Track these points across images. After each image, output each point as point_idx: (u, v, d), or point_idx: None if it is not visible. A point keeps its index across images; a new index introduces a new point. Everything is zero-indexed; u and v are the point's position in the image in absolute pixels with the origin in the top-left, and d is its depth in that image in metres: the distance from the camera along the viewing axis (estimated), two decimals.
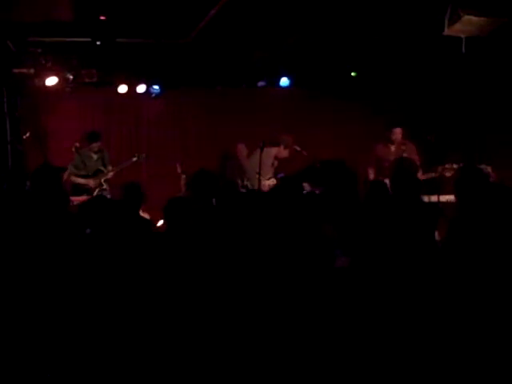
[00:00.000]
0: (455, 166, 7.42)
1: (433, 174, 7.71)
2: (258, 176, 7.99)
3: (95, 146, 8.39)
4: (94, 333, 3.39)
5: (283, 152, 8.25)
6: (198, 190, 5.24)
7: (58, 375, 3.29)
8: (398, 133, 8.33)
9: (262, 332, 3.44)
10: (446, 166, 7.59)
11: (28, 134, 8.79)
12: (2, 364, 3.31)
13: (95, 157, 8.45)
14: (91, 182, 8.29)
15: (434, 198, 7.04)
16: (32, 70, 8.56)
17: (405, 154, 7.94)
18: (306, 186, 7.18)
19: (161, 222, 6.12)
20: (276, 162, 8.42)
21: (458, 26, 6.42)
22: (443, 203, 6.74)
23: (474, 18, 6.28)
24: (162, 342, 3.46)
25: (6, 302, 3.55)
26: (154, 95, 9.80)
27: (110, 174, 8.45)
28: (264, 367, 3.36)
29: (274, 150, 8.17)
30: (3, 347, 3.38)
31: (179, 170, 8.66)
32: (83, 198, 7.60)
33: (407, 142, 8.27)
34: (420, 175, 7.59)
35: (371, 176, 8.15)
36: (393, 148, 8.30)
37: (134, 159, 8.68)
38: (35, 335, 3.40)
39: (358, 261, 4.37)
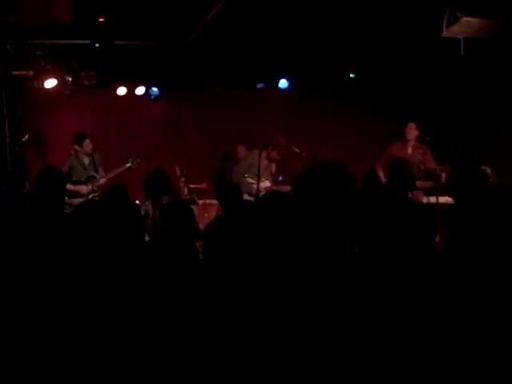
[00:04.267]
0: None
1: (431, 183, 7.59)
2: (245, 178, 8.07)
3: (88, 143, 8.32)
4: (93, 334, 3.39)
5: (272, 153, 8.19)
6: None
7: (57, 375, 3.29)
8: (412, 127, 8.04)
9: (265, 334, 3.45)
10: (443, 168, 7.51)
11: (27, 137, 8.79)
12: (1, 364, 3.32)
13: (87, 162, 8.36)
14: (84, 189, 8.19)
15: (432, 200, 7.04)
16: (31, 73, 8.57)
17: (420, 158, 7.74)
18: None
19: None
20: (273, 164, 8.42)
21: (456, 28, 6.42)
22: (442, 204, 6.74)
23: (472, 20, 6.28)
24: (162, 343, 3.46)
25: (2, 304, 3.56)
26: (152, 97, 9.82)
27: (103, 180, 8.32)
28: (266, 368, 3.36)
29: (263, 153, 8.16)
30: (3, 350, 3.38)
31: (178, 172, 8.66)
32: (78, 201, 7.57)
33: (423, 146, 7.96)
34: (422, 182, 7.54)
35: (381, 175, 7.94)
36: (409, 150, 8.02)
37: (128, 165, 8.51)
38: (33, 336, 3.41)
39: (360, 262, 4.37)
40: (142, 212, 5.59)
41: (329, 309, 3.65)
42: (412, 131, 8.08)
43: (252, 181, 8.22)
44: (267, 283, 3.63)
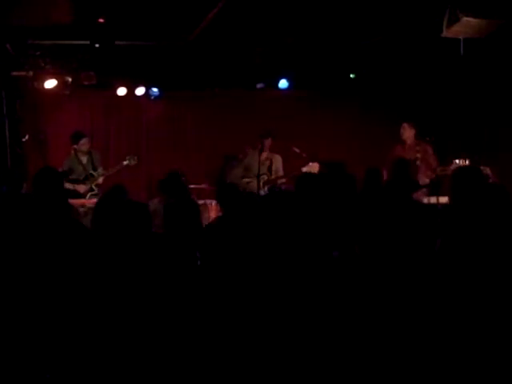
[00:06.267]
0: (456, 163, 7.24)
1: (433, 176, 7.67)
2: (242, 180, 8.40)
3: (84, 142, 8.27)
4: (96, 335, 3.39)
5: (266, 143, 8.49)
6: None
7: (57, 376, 3.29)
8: (405, 128, 8.17)
9: (263, 333, 3.45)
10: (443, 168, 7.55)
11: (27, 137, 8.78)
12: (1, 364, 3.32)
13: (85, 160, 8.30)
14: (82, 187, 8.13)
15: (433, 200, 7.05)
16: (31, 73, 8.57)
17: (418, 155, 7.85)
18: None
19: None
20: (275, 158, 8.60)
21: (456, 28, 6.43)
22: (442, 205, 6.74)
23: (472, 20, 6.29)
24: (162, 343, 3.46)
25: (6, 305, 3.56)
26: (152, 97, 9.81)
27: (101, 179, 8.26)
28: (264, 367, 3.36)
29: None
30: (3, 350, 3.38)
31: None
32: (79, 201, 7.55)
33: (422, 143, 8.08)
34: (424, 178, 7.60)
35: (385, 177, 8.03)
36: (406, 148, 8.13)
37: (125, 163, 8.42)
38: (36, 338, 3.41)
39: (358, 261, 4.38)
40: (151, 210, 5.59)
41: (329, 308, 3.65)
42: (406, 132, 8.16)
43: (250, 180, 8.35)
44: (266, 282, 3.63)
